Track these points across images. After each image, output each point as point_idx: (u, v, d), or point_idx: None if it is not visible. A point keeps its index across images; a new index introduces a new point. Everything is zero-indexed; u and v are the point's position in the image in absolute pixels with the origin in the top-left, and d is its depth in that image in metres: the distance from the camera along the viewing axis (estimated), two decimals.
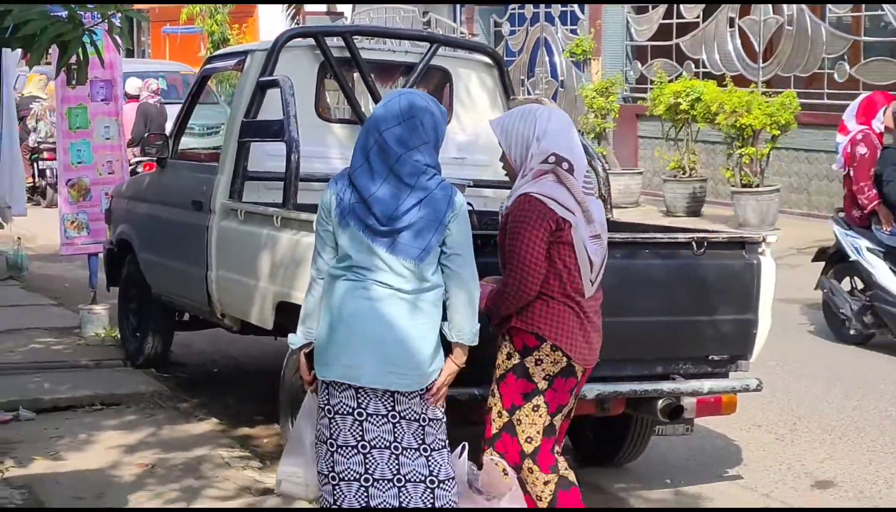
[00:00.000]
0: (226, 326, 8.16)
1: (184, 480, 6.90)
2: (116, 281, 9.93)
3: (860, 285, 10.86)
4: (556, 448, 5.45)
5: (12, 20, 5.27)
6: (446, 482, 4.96)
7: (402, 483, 4.90)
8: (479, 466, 5.31)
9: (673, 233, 7.04)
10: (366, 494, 4.90)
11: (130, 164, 12.74)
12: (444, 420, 5.05)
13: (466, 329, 5.01)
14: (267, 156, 8.00)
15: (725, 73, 19.62)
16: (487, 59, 8.82)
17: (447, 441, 5.04)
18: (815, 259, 11.39)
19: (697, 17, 20.73)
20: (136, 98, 18.91)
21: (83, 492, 6.64)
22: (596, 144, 19.98)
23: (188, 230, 8.22)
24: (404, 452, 4.91)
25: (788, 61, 19.15)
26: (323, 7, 32.16)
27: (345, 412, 4.89)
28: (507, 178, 5.64)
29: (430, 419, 4.95)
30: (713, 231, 7.11)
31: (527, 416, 5.30)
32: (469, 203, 5.28)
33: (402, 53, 8.59)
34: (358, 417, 4.89)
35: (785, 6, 19.11)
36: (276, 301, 7.08)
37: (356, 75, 8.37)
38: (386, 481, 4.90)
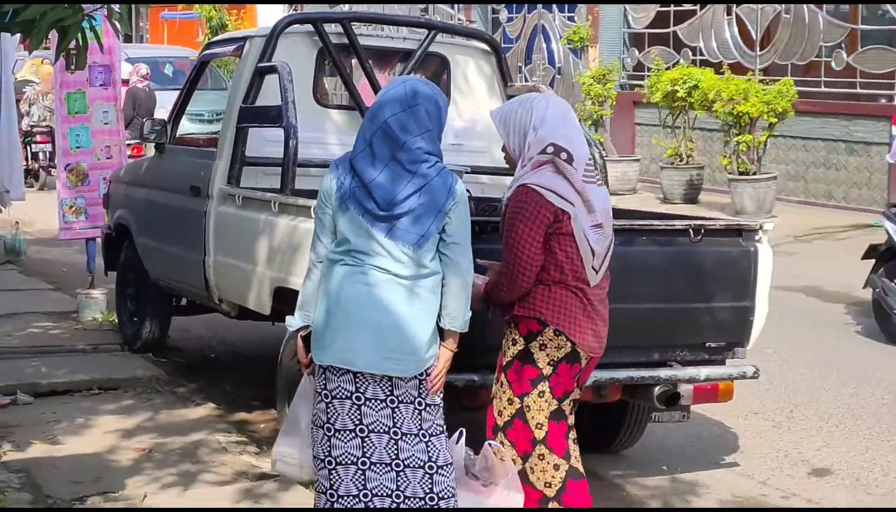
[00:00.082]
0: (223, 311, 8.18)
1: (181, 465, 6.92)
2: (114, 266, 9.94)
3: None
4: (571, 434, 5.43)
5: (12, 5, 5.27)
6: (444, 468, 4.97)
7: (401, 468, 4.92)
8: (477, 452, 5.32)
9: (670, 220, 7.04)
10: (363, 477, 4.92)
11: None
12: (442, 405, 5.06)
13: (459, 316, 5.03)
14: (265, 141, 8.00)
15: (723, 60, 19.63)
16: (485, 46, 8.81)
17: (445, 427, 5.05)
18: (865, 257, 10.91)
19: (695, 4, 20.71)
20: (125, 82, 18.96)
21: (81, 476, 6.65)
22: (593, 131, 19.99)
23: (186, 215, 8.23)
24: (404, 437, 4.93)
25: (786, 49, 19.15)
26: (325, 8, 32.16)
27: (343, 396, 4.91)
28: (504, 165, 5.64)
29: (427, 404, 4.96)
30: (710, 218, 7.12)
31: (534, 402, 5.28)
32: (466, 189, 5.28)
33: (400, 40, 8.59)
34: (356, 402, 4.90)
35: None
36: (274, 286, 7.09)
37: (354, 62, 8.37)
38: (384, 465, 4.91)
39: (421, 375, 4.94)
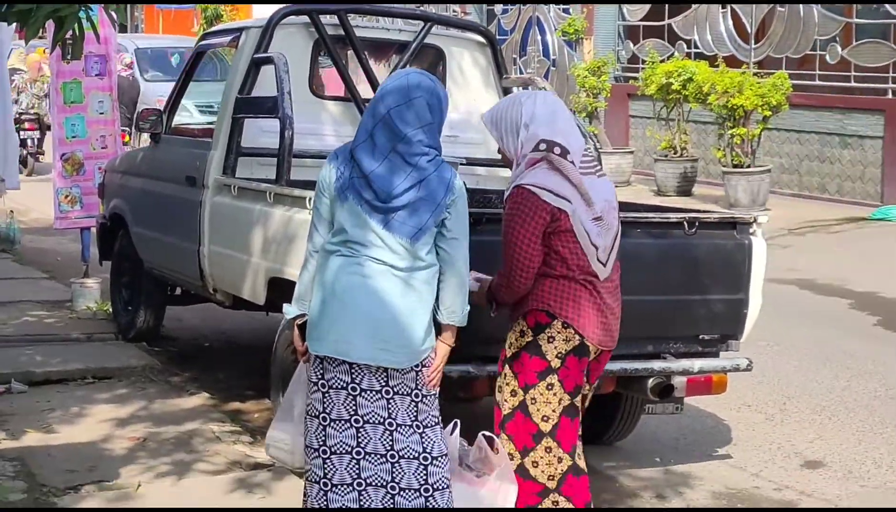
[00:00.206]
0: (218, 300, 8.19)
1: (175, 454, 6.93)
2: (109, 255, 9.94)
3: None
4: (578, 430, 5.43)
5: None
6: (439, 459, 4.98)
7: (396, 459, 4.93)
8: (471, 443, 5.33)
9: (664, 213, 7.05)
10: (357, 466, 4.93)
11: None
12: (437, 396, 5.07)
13: (458, 311, 5.04)
14: (261, 132, 8.01)
15: (717, 53, 19.64)
16: (480, 38, 8.83)
17: (440, 418, 5.06)
18: None
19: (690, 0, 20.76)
20: None
21: (75, 465, 6.66)
22: (587, 124, 20.01)
23: (181, 205, 8.24)
24: (399, 428, 4.94)
25: (780, 42, 19.18)
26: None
27: (339, 387, 4.92)
28: (499, 156, 5.63)
29: (424, 396, 4.97)
30: (705, 211, 7.13)
31: (541, 394, 5.25)
32: (462, 182, 5.28)
33: (395, 32, 8.60)
34: (352, 392, 4.91)
35: None
36: (269, 276, 7.10)
37: (350, 53, 8.38)
38: (378, 456, 4.92)
39: (417, 366, 4.95)
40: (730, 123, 17.41)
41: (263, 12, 9.84)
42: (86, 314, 10.37)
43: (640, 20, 22.01)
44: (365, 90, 8.25)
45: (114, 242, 9.76)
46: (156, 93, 19.88)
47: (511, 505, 5.23)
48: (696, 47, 20.57)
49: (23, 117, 20.89)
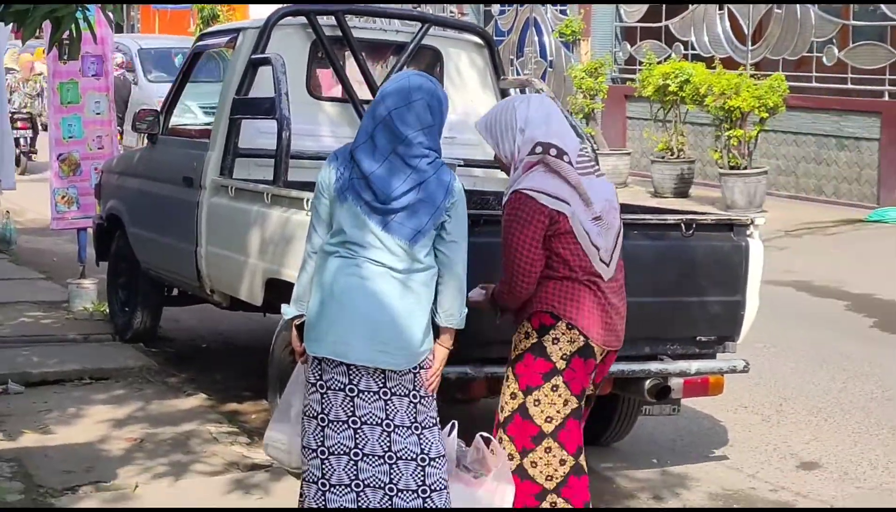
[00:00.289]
0: (215, 301, 8.19)
1: (172, 455, 6.93)
2: (105, 256, 9.95)
3: None
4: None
5: None
6: (437, 460, 4.99)
7: (394, 460, 4.93)
8: (468, 444, 5.34)
9: (662, 214, 7.06)
10: (355, 468, 4.93)
11: None
12: (435, 398, 5.08)
13: (456, 313, 5.04)
14: (258, 133, 8.01)
15: (714, 55, 19.66)
16: (478, 39, 8.83)
17: (438, 419, 5.06)
18: None
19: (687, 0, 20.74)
20: None
21: (72, 465, 6.66)
22: (584, 125, 20.01)
23: (178, 206, 8.24)
24: (396, 429, 4.94)
25: (777, 44, 19.19)
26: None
27: (337, 388, 4.92)
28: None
29: (421, 397, 4.97)
30: (702, 213, 7.14)
31: (546, 396, 5.24)
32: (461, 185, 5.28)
33: (393, 33, 8.60)
34: (349, 393, 4.92)
35: None
36: (266, 277, 7.11)
37: (347, 54, 8.38)
38: (376, 457, 4.93)
39: (415, 368, 4.95)
40: (727, 125, 17.42)
41: (260, 12, 9.83)
42: (82, 315, 10.37)
43: (637, 21, 22.02)
44: (362, 91, 8.27)
45: (110, 243, 9.76)
46: (159, 94, 19.85)
47: (508, 505, 5.23)
48: (693, 49, 20.58)
49: (15, 117, 20.99)
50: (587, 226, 5.19)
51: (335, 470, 4.95)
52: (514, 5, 24.81)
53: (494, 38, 14.31)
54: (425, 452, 4.96)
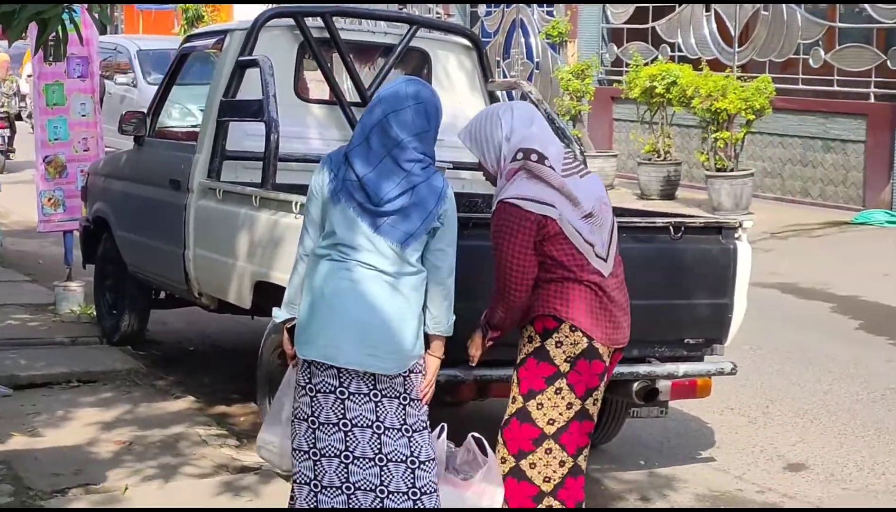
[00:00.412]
0: (203, 304, 8.17)
1: (161, 458, 6.92)
2: (92, 259, 9.92)
3: None
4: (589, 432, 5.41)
5: None
6: (427, 463, 4.99)
7: (384, 462, 4.93)
8: (458, 445, 5.34)
9: (650, 217, 7.07)
10: (346, 470, 4.94)
11: None
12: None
13: (443, 321, 5.05)
14: (245, 135, 8.00)
15: (701, 57, 19.69)
16: (466, 42, 8.83)
17: (428, 423, 5.07)
18: None
19: (673, 2, 20.75)
20: None
21: (61, 468, 6.65)
22: (571, 127, 20.03)
23: (166, 209, 8.23)
24: (387, 431, 4.94)
25: (764, 46, 19.23)
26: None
27: (327, 391, 4.92)
28: None
29: (411, 399, 4.98)
30: (690, 216, 7.15)
31: (549, 399, 5.23)
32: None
33: (381, 35, 8.60)
34: (340, 396, 4.92)
35: None
36: (254, 280, 7.10)
37: (335, 56, 8.38)
38: (367, 460, 4.93)
39: (405, 372, 4.96)
40: (713, 127, 17.45)
41: (245, 13, 9.82)
42: (69, 318, 10.34)
43: (624, 23, 22.05)
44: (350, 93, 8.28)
45: (97, 246, 9.74)
46: None
47: (497, 506, 5.24)
48: (680, 51, 20.61)
49: None
50: (577, 225, 5.19)
51: (327, 472, 4.95)
52: (501, 6, 24.82)
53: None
54: (415, 455, 4.97)
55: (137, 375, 8.67)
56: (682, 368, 6.63)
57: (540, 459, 5.26)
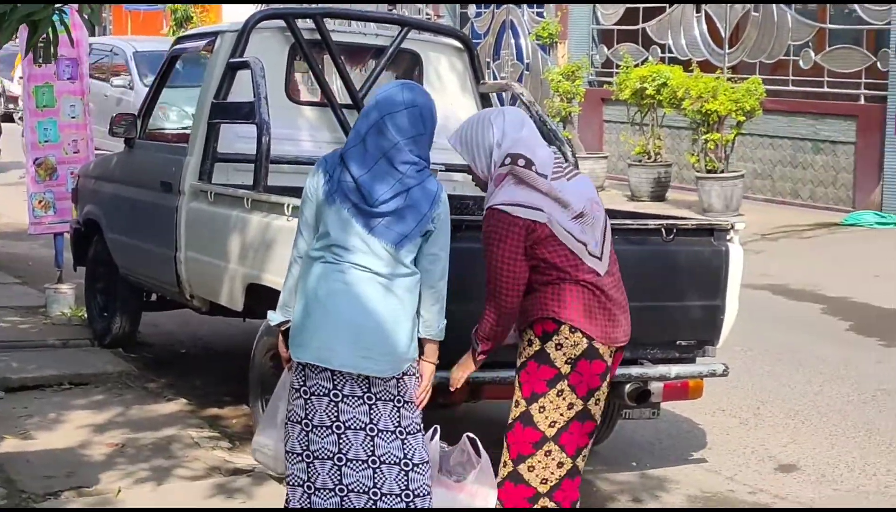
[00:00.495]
0: (194, 307, 8.17)
1: (154, 460, 6.92)
2: (83, 261, 9.92)
3: None
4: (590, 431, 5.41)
5: None
6: (420, 465, 5.00)
7: (378, 465, 4.94)
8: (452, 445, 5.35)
9: (642, 219, 7.07)
10: (339, 472, 4.94)
11: None
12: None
13: (434, 324, 5.06)
14: (237, 138, 8.00)
15: (691, 58, 19.69)
16: (458, 43, 8.82)
17: (422, 425, 5.07)
18: None
19: (664, 2, 20.77)
20: None
21: (54, 470, 6.65)
22: (561, 128, 20.03)
23: (157, 211, 8.22)
24: (380, 434, 4.95)
25: (754, 47, 19.26)
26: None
27: (321, 393, 4.93)
28: None
29: (405, 402, 4.99)
30: (682, 218, 7.16)
31: (551, 402, 5.22)
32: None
33: (372, 36, 8.60)
34: (334, 398, 4.92)
35: None
36: (246, 283, 7.10)
37: (326, 58, 8.37)
38: (360, 462, 4.94)
39: (399, 374, 4.96)
40: (703, 128, 17.47)
41: (233, 13, 9.82)
42: (60, 320, 10.32)
43: (615, 24, 22.06)
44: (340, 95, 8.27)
45: (88, 248, 9.72)
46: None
47: (490, 507, 5.25)
48: (671, 52, 20.63)
49: None
50: (568, 225, 5.17)
51: (320, 474, 4.96)
52: (491, 7, 24.82)
53: None
54: (409, 457, 4.97)
55: (129, 378, 8.66)
56: (673, 369, 6.63)
57: (539, 462, 5.26)
